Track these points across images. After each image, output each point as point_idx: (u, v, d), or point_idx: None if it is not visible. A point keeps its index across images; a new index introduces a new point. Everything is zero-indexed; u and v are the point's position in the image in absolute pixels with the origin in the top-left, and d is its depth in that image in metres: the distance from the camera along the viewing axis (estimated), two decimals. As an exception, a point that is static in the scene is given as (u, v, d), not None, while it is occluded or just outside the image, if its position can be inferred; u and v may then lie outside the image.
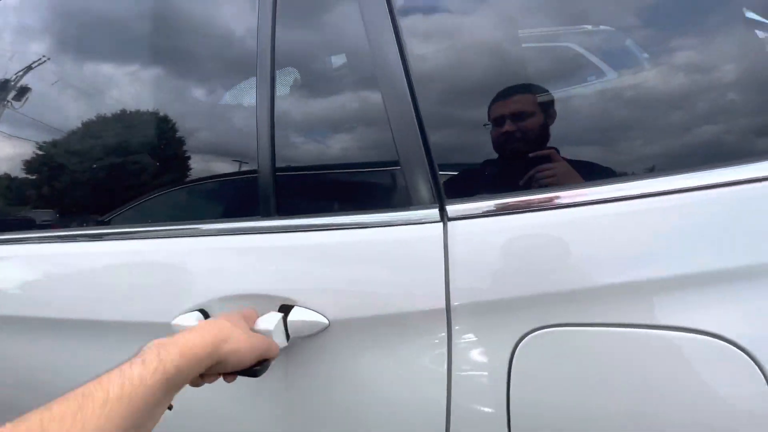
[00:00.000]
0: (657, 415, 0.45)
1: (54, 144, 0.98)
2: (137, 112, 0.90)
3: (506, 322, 0.52)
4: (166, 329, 0.71)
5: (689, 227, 0.45)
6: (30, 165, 1.00)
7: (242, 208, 0.78)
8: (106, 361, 0.77)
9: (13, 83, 0.99)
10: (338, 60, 0.75)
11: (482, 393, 0.55)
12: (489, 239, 0.54)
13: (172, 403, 0.50)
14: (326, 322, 0.63)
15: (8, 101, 0.99)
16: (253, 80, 0.72)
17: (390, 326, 0.61)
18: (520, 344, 0.51)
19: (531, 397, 0.52)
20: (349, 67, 0.74)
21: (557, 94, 0.57)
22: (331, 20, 0.73)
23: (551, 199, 0.50)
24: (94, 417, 0.38)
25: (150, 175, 0.88)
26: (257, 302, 0.66)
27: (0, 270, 0.93)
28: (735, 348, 0.43)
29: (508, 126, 0.55)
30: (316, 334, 0.64)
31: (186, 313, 0.71)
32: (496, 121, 0.57)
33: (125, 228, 0.82)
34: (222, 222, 0.74)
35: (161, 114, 0.88)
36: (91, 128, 0.94)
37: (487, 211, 0.54)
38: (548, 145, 0.55)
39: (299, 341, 0.66)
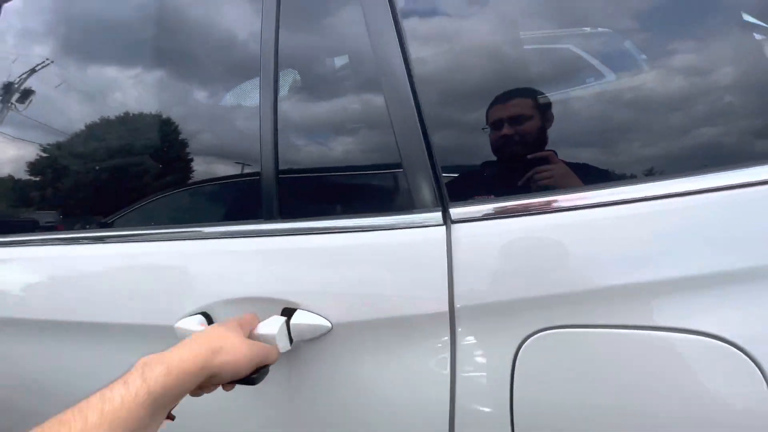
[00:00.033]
0: (659, 416, 0.46)
1: (57, 146, 0.99)
2: (139, 115, 0.90)
3: (509, 323, 0.52)
4: (169, 332, 0.71)
5: (690, 230, 0.45)
6: (31, 167, 1.00)
7: (245, 210, 0.78)
8: (108, 363, 0.78)
9: (16, 85, 0.99)
10: (341, 63, 0.75)
11: (485, 394, 0.55)
12: (492, 242, 0.54)
13: (173, 413, 0.50)
14: (329, 325, 0.63)
15: (12, 103, 1.00)
16: (256, 82, 0.73)
17: (393, 329, 0.61)
18: (523, 346, 0.52)
19: (534, 398, 0.52)
20: (352, 69, 0.74)
21: (557, 96, 0.57)
22: (334, 23, 0.74)
23: (554, 202, 0.51)
24: None
25: (152, 177, 0.88)
26: (260, 306, 0.66)
27: (2, 272, 0.93)
28: (735, 349, 0.43)
29: (506, 129, 0.56)
30: (319, 338, 0.64)
31: (189, 316, 0.71)
32: (495, 125, 0.58)
33: (127, 231, 0.82)
34: (224, 225, 0.74)
35: (163, 116, 0.88)
36: (93, 130, 0.94)
37: (491, 214, 0.54)
38: (547, 147, 0.55)
39: (302, 345, 0.66)
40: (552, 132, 0.55)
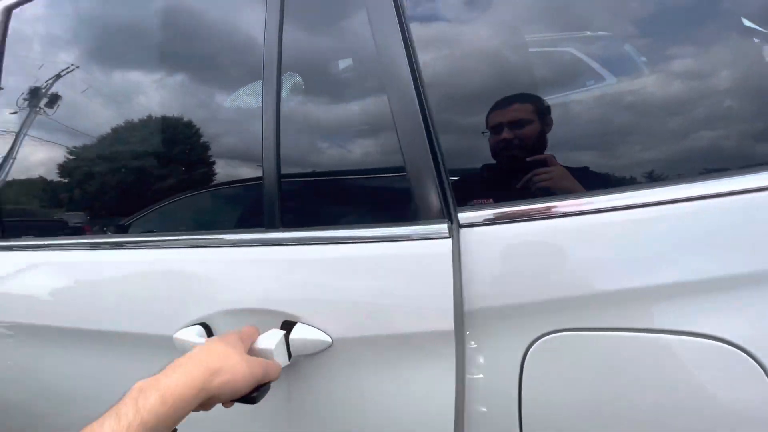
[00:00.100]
0: (667, 418, 0.45)
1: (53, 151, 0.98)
2: (136, 120, 0.89)
3: (518, 327, 0.52)
4: (168, 342, 0.70)
5: (697, 234, 0.45)
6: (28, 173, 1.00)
7: (246, 219, 0.77)
8: (112, 370, 0.78)
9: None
10: (345, 67, 0.73)
11: (494, 398, 0.54)
12: (500, 246, 0.53)
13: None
14: (329, 340, 0.61)
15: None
16: (258, 86, 0.71)
17: (396, 346, 0.59)
18: (531, 349, 0.51)
19: (543, 402, 0.51)
20: (357, 75, 0.72)
21: (557, 99, 0.57)
22: (339, 26, 0.71)
23: (561, 207, 0.51)
24: None
25: (152, 184, 0.87)
26: (260, 318, 0.64)
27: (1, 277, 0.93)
28: (742, 352, 0.43)
29: (506, 133, 0.56)
30: (319, 353, 0.62)
31: (188, 326, 0.70)
32: (495, 129, 0.58)
33: (124, 237, 0.81)
34: (225, 233, 0.73)
35: (164, 122, 0.87)
36: (97, 136, 0.93)
37: (498, 219, 0.54)
38: (546, 151, 0.55)
39: (302, 360, 0.63)
40: (552, 136, 0.55)
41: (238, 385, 0.51)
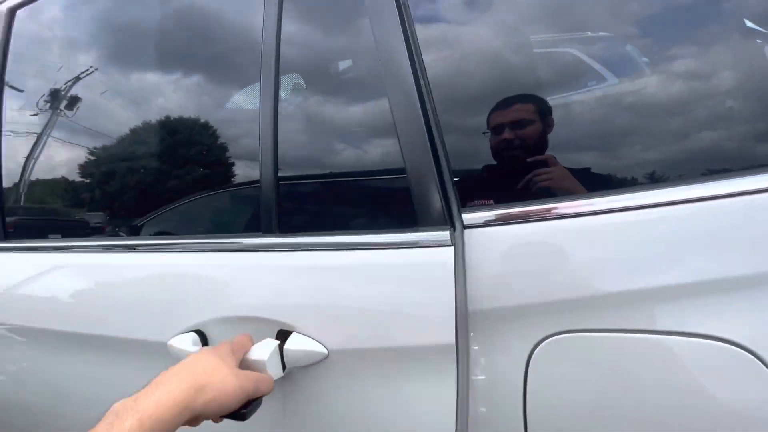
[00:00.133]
0: (672, 420, 0.45)
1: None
2: (125, 123, 0.88)
3: (522, 329, 0.51)
4: (163, 348, 0.68)
5: (700, 236, 0.45)
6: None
7: (243, 223, 0.75)
8: (108, 373, 0.76)
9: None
10: (345, 68, 0.70)
11: (498, 402, 0.52)
12: (502, 247, 0.52)
13: None
14: (325, 351, 0.58)
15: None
16: (255, 88, 0.69)
17: (395, 359, 0.56)
18: (536, 350, 0.50)
19: (548, 404, 0.50)
20: (357, 76, 0.69)
21: (558, 100, 0.56)
22: (339, 27, 0.69)
23: (563, 208, 0.50)
24: None
25: (149, 188, 0.86)
26: (255, 326, 0.62)
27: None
28: (747, 353, 0.42)
29: (507, 134, 0.56)
30: (314, 365, 0.59)
31: (182, 333, 0.68)
32: (495, 129, 0.57)
33: (117, 241, 0.80)
34: (220, 237, 0.71)
35: (158, 125, 0.86)
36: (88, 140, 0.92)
37: (500, 220, 0.53)
38: (548, 152, 0.55)
39: (297, 372, 0.61)
40: (552, 136, 0.55)
41: (226, 401, 0.48)
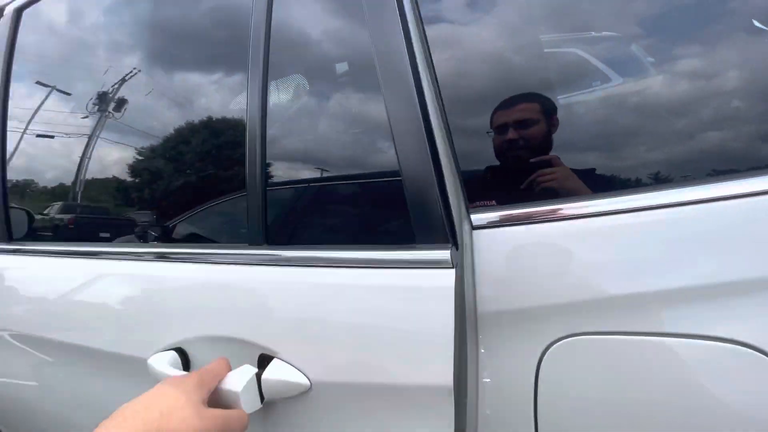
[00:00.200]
0: (685, 422, 0.43)
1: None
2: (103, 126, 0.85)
3: (532, 331, 0.49)
4: (143, 365, 0.63)
5: (708, 237, 0.44)
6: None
7: (229, 234, 0.69)
8: (93, 385, 0.72)
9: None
10: (342, 71, 0.63)
11: (508, 412, 0.50)
12: (507, 249, 0.50)
13: None
14: (308, 383, 0.51)
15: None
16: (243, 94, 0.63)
17: (385, 399, 0.49)
18: (546, 354, 0.48)
19: (559, 407, 0.48)
20: (353, 80, 0.63)
21: (562, 100, 0.55)
22: (334, 29, 0.63)
23: (568, 209, 0.48)
24: None
25: (134, 194, 0.82)
26: (236, 347, 0.56)
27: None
28: (761, 354, 0.41)
29: (511, 133, 0.55)
30: (295, 397, 0.52)
31: (162, 351, 0.62)
32: (499, 129, 0.55)
33: (99, 247, 0.76)
34: (204, 248, 0.65)
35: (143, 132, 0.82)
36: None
37: (504, 221, 0.51)
38: (552, 152, 0.53)
39: (277, 405, 0.54)
40: (557, 137, 0.54)
41: None
